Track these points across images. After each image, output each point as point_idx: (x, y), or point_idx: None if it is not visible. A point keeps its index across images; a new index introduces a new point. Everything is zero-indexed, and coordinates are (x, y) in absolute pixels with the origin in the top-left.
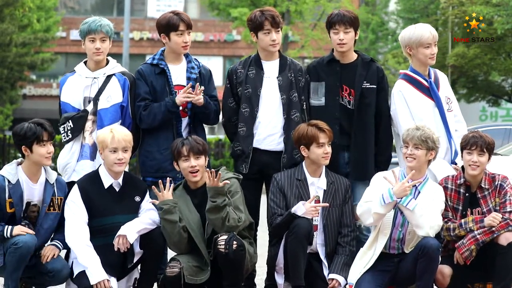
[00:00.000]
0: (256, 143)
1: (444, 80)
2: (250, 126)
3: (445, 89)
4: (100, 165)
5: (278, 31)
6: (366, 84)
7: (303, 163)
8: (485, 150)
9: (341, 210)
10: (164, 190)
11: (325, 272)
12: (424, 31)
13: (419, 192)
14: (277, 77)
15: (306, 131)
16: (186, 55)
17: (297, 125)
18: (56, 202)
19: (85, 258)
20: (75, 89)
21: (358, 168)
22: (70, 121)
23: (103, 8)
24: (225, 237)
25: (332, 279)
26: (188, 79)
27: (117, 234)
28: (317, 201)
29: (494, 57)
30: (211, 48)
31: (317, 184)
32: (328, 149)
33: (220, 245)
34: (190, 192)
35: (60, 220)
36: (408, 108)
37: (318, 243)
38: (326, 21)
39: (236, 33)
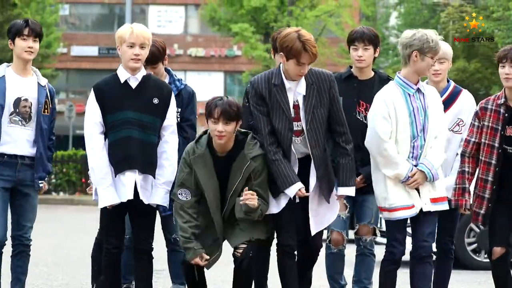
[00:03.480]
0: None
1: (463, 102)
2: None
3: (459, 110)
4: (120, 65)
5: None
6: None
7: (280, 65)
8: None
9: (328, 109)
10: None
11: (312, 227)
12: None
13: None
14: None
15: (292, 46)
16: (170, 74)
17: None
18: (49, 105)
19: (98, 177)
20: None
21: (370, 182)
22: None
23: (104, 23)
24: (244, 246)
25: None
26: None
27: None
28: (296, 106)
29: (495, 71)
30: (212, 64)
31: (296, 90)
32: (307, 68)
33: (238, 251)
34: (214, 155)
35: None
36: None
37: (301, 151)
38: (347, 37)
39: (237, 49)
